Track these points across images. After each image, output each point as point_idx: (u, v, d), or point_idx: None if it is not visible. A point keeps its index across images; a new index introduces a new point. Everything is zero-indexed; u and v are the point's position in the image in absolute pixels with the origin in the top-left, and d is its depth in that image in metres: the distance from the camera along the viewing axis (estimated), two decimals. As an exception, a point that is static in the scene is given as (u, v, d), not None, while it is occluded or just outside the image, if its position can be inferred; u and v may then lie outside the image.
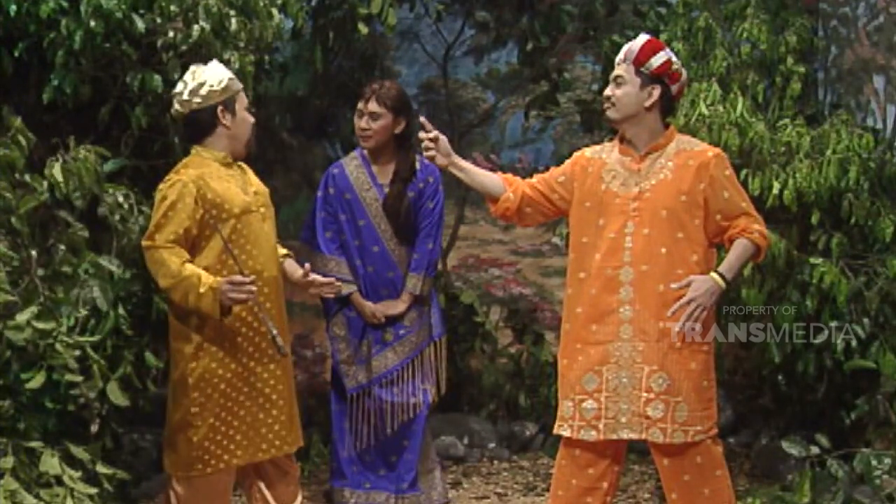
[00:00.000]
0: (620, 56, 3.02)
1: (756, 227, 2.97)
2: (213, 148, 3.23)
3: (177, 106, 3.24)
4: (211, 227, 3.09)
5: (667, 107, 3.05)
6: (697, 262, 2.93)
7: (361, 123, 3.91)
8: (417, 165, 4.00)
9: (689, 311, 2.86)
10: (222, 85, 3.19)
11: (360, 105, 3.94)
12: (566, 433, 2.98)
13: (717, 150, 3.06)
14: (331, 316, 4.00)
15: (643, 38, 3.02)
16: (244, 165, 3.37)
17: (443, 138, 3.14)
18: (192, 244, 3.12)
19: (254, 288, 3.01)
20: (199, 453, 3.16)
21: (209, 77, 3.20)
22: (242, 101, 3.25)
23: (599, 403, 2.92)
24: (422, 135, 3.14)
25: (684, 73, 3.08)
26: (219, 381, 3.15)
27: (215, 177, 3.18)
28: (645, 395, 2.88)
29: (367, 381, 3.95)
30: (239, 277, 3.00)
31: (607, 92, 3.01)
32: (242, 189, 3.22)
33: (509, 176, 3.22)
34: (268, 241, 3.24)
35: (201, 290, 2.99)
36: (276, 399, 3.22)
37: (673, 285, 2.89)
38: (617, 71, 3.01)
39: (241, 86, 3.28)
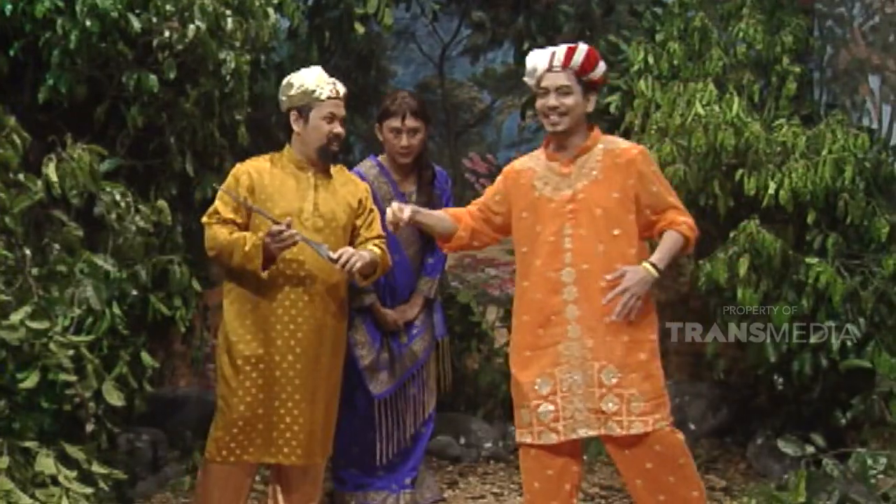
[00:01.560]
0: (555, 64, 3.01)
1: (683, 219, 3.04)
2: (293, 149, 3.36)
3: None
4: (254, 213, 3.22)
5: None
6: (635, 255, 3.00)
7: (403, 142, 3.83)
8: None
9: (623, 300, 2.91)
10: (299, 91, 3.28)
11: (397, 123, 3.82)
12: (528, 440, 3.02)
13: (641, 146, 3.14)
14: (349, 323, 3.97)
15: (583, 46, 3.02)
16: (338, 177, 3.40)
17: (405, 207, 3.13)
18: (247, 228, 3.25)
19: (294, 231, 3.11)
20: (216, 441, 3.25)
21: (295, 80, 3.31)
22: (322, 110, 3.28)
23: (556, 405, 2.95)
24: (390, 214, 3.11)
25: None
26: (239, 374, 3.22)
27: (277, 175, 3.29)
28: (598, 390, 2.92)
29: (392, 384, 3.95)
30: (276, 227, 3.10)
31: (553, 102, 3.00)
32: (301, 194, 3.27)
33: (455, 212, 3.25)
34: (315, 253, 3.24)
35: (247, 247, 3.14)
36: (290, 407, 3.25)
37: (607, 276, 2.95)
38: (559, 80, 3.00)
39: (326, 95, 3.28)
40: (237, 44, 3.92)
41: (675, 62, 4.52)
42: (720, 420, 5.10)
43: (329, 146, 3.31)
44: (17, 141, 3.17)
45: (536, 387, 2.98)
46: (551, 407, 2.95)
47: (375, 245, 3.42)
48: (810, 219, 4.12)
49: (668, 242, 3.02)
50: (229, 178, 3.32)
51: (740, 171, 4.13)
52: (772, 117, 4.43)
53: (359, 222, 3.44)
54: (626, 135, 4.51)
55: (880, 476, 3.58)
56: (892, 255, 4.10)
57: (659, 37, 4.68)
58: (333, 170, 3.41)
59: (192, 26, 3.70)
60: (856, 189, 4.10)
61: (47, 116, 3.74)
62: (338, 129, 3.30)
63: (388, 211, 3.11)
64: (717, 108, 4.18)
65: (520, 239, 3.10)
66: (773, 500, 3.86)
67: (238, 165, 3.38)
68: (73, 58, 3.57)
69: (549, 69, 3.01)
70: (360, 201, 3.43)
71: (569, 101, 2.98)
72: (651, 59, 4.52)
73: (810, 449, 3.77)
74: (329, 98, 3.28)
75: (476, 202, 3.24)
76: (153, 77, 3.68)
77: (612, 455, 3.03)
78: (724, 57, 4.47)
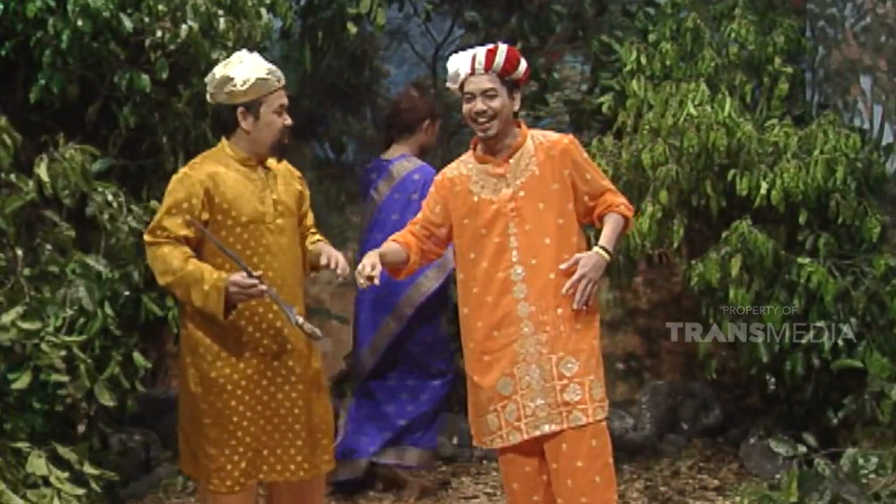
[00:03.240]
0: (477, 67, 2.97)
1: (620, 200, 3.10)
2: (236, 146, 3.05)
3: (208, 93, 3.09)
4: (214, 228, 2.96)
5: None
6: (577, 243, 3.04)
7: None
8: None
9: (581, 286, 2.95)
10: (246, 86, 2.97)
11: None
12: (500, 443, 3.02)
13: (570, 136, 3.14)
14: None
15: (503, 47, 2.99)
16: (278, 167, 3.14)
17: (373, 264, 2.99)
18: (199, 244, 2.98)
19: (263, 287, 2.86)
20: (216, 467, 2.98)
21: (237, 74, 2.99)
22: (272, 104, 3.02)
23: (517, 404, 2.96)
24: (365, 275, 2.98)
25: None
26: (228, 396, 2.99)
27: (230, 178, 3.00)
28: (559, 382, 2.94)
29: None
30: (244, 280, 2.86)
31: (481, 107, 2.96)
32: (259, 196, 3.03)
33: (403, 238, 3.14)
34: (283, 254, 3.06)
35: (205, 287, 2.85)
36: (291, 422, 3.06)
37: (562, 266, 2.97)
38: (483, 83, 2.96)
39: (274, 86, 3.02)
40: (230, 44, 3.92)
41: (668, 62, 4.52)
42: (713, 420, 5.11)
43: (282, 140, 3.07)
44: (9, 141, 3.17)
45: (499, 389, 2.99)
46: (514, 406, 2.97)
47: (318, 236, 3.30)
48: (802, 219, 4.13)
49: (612, 225, 3.06)
50: (182, 192, 2.95)
51: (732, 172, 4.14)
52: (764, 117, 4.44)
53: (303, 210, 3.24)
54: (619, 134, 4.52)
55: (871, 475, 3.59)
56: (884, 255, 4.13)
57: (651, 37, 4.69)
58: (270, 161, 3.15)
59: (184, 26, 3.70)
60: (847, 189, 4.11)
61: (39, 116, 3.74)
62: (288, 120, 3.07)
63: (362, 274, 2.95)
64: (709, 108, 4.18)
65: (464, 246, 3.06)
66: (765, 500, 3.87)
67: (184, 172, 3.02)
68: (65, 58, 3.56)
69: (472, 73, 2.97)
70: (300, 192, 3.22)
71: (495, 103, 2.96)
72: (644, 60, 4.52)
73: (802, 449, 3.78)
74: (276, 89, 3.03)
75: (415, 220, 3.17)
76: (145, 77, 3.68)
77: (549, 456, 2.97)
78: (717, 57, 4.48)
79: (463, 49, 3.11)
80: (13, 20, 3.53)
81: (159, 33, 3.69)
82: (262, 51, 4.67)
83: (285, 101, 3.08)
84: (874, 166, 4.36)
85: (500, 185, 3.02)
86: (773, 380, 4.35)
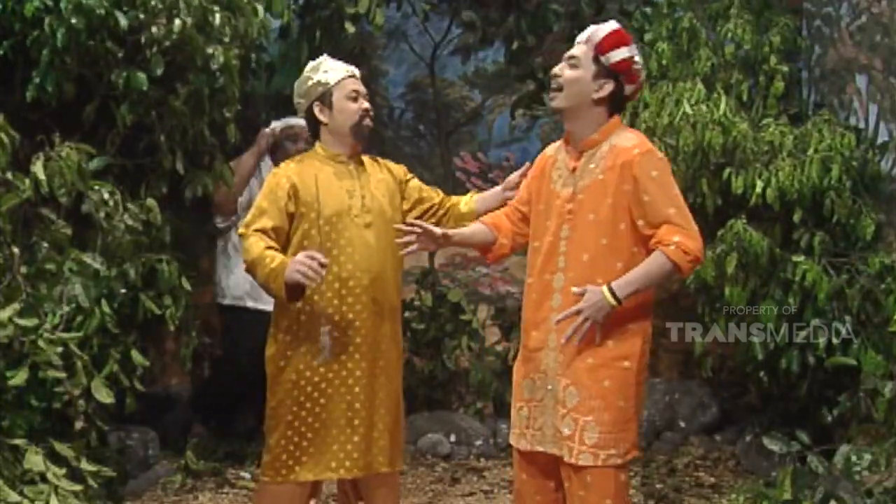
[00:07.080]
0: (582, 37, 2.74)
1: (676, 238, 2.59)
2: (326, 145, 3.14)
3: (298, 110, 3.22)
4: (299, 221, 3.02)
5: (616, 106, 2.75)
6: (623, 270, 2.65)
7: None
8: None
9: (577, 322, 2.64)
10: (314, 81, 3.10)
11: None
12: (512, 441, 2.87)
13: (648, 146, 2.69)
14: None
15: (612, 25, 2.72)
16: (372, 165, 3.20)
17: (427, 226, 2.87)
18: (287, 239, 3.04)
19: (322, 270, 2.83)
20: (270, 459, 3.08)
21: (306, 74, 3.14)
22: (344, 90, 3.09)
23: (530, 412, 2.78)
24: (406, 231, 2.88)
25: (643, 75, 2.79)
26: (294, 389, 3.04)
27: (319, 174, 3.07)
28: (561, 409, 2.70)
29: None
30: (314, 252, 2.87)
31: (556, 70, 2.70)
32: (347, 190, 3.08)
33: (493, 218, 2.98)
34: (366, 248, 3.05)
35: (273, 264, 2.87)
36: (350, 416, 3.05)
37: (574, 289, 2.66)
38: (573, 51, 2.71)
39: (342, 75, 3.10)
40: (226, 39, 3.92)
41: (664, 62, 4.53)
42: (710, 418, 5.13)
43: (362, 122, 3.09)
44: (6, 140, 3.18)
45: (524, 388, 2.81)
46: (527, 413, 2.79)
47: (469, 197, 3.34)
48: (797, 217, 4.14)
49: (646, 266, 2.62)
50: (268, 187, 3.06)
51: (728, 170, 4.15)
52: (759, 116, 4.45)
53: (411, 194, 3.24)
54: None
55: (865, 472, 3.60)
56: (878, 253, 4.14)
57: (648, 37, 4.70)
58: (366, 160, 3.20)
59: (177, 21, 3.69)
60: (842, 188, 4.12)
61: (37, 115, 3.75)
62: (365, 104, 3.11)
63: (427, 232, 2.86)
64: (704, 107, 4.19)
65: (533, 232, 2.82)
66: (760, 497, 3.88)
67: (274, 171, 3.13)
68: (62, 56, 3.57)
69: (578, 42, 2.74)
70: (399, 181, 3.22)
71: (570, 73, 2.67)
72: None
73: (795, 446, 3.79)
74: (345, 77, 3.11)
75: (516, 199, 2.98)
76: (142, 75, 3.68)
77: (562, 472, 2.76)
78: (713, 57, 4.48)
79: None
80: (11, 19, 3.55)
81: (154, 29, 3.69)
82: (260, 49, 4.71)
83: (360, 87, 3.15)
84: (869, 165, 4.37)
85: (569, 181, 2.72)
86: (767, 378, 4.36)
